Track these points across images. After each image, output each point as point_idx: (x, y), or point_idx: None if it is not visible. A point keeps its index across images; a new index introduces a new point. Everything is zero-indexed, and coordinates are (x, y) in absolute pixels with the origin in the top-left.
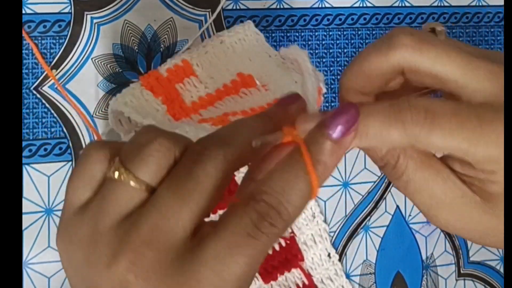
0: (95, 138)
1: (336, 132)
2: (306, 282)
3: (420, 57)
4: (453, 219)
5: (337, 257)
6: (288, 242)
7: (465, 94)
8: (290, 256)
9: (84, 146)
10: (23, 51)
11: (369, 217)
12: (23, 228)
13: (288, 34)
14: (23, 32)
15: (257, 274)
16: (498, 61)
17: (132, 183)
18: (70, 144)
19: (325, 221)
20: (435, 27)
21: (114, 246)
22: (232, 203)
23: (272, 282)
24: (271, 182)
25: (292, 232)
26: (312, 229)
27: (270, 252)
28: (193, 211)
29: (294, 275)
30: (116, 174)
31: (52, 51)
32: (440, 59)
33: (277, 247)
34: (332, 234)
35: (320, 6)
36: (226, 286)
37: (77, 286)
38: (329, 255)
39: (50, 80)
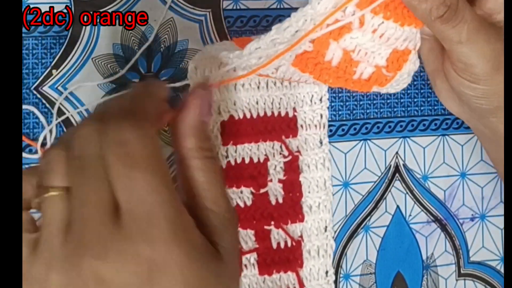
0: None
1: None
2: None
3: None
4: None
5: (333, 277)
6: (294, 244)
7: None
8: (292, 258)
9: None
10: (23, 51)
11: (369, 217)
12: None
13: None
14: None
15: (254, 263)
16: None
17: (53, 192)
18: None
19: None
20: None
21: (69, 259)
22: None
23: (266, 276)
24: None
25: (301, 236)
26: (320, 241)
27: (275, 246)
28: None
29: (289, 278)
30: (42, 195)
31: (52, 51)
32: None
33: (282, 244)
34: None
35: None
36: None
37: None
38: (326, 272)
39: (50, 80)
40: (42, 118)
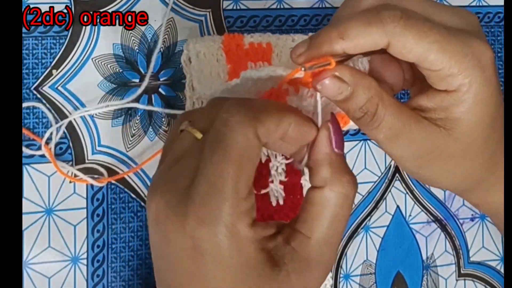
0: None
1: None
2: None
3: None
4: (427, 157)
5: (331, 281)
6: None
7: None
8: None
9: (84, 146)
10: (23, 51)
11: (369, 217)
12: (23, 228)
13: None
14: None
15: None
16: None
17: (193, 132)
18: (70, 144)
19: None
20: None
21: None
22: None
23: None
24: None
25: None
26: None
27: None
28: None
29: None
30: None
31: (52, 51)
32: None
33: None
34: None
35: (320, 6)
36: (221, 176)
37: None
38: (325, 285)
39: (50, 80)
40: (49, 115)
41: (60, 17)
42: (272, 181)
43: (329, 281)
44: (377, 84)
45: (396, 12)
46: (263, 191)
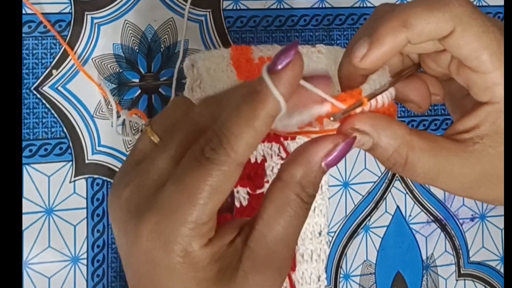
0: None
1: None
2: None
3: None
4: (477, 183)
5: (325, 282)
6: None
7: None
8: None
9: (84, 146)
10: (23, 51)
11: (369, 217)
12: (23, 228)
13: (288, 34)
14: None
15: None
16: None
17: (148, 133)
18: (70, 144)
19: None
20: None
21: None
22: None
23: None
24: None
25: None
26: (313, 245)
27: None
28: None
29: None
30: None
31: (52, 51)
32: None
33: None
34: (332, 234)
35: (320, 6)
36: (189, 199)
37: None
38: (319, 277)
39: (50, 80)
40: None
41: (60, 17)
42: (267, 181)
43: (323, 274)
44: (405, 131)
45: None
46: (258, 191)
